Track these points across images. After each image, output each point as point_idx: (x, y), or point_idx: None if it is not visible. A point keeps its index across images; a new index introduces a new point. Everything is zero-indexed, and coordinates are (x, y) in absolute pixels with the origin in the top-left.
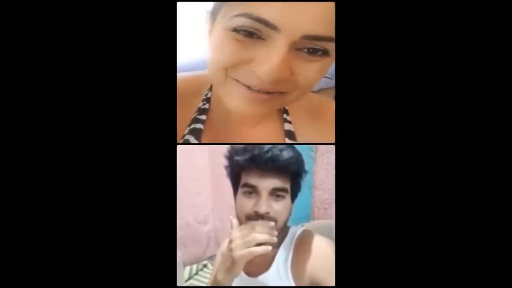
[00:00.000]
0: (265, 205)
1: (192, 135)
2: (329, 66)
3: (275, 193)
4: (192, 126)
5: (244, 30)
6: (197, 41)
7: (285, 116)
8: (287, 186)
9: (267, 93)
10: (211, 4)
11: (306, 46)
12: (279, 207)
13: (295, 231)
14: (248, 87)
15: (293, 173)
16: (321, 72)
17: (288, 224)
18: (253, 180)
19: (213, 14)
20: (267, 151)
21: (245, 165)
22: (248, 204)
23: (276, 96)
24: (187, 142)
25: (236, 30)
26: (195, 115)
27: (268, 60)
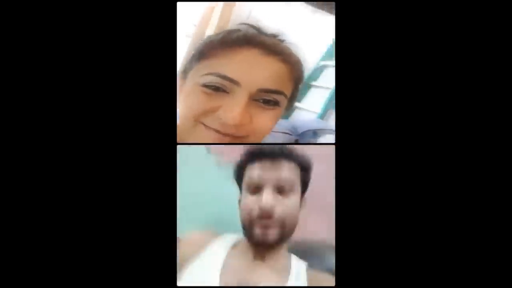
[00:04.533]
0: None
1: None
2: (280, 115)
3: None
4: None
5: (212, 85)
6: None
7: None
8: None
9: (232, 136)
10: (181, 65)
11: (262, 98)
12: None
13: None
14: (216, 131)
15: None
16: (274, 120)
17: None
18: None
19: (184, 73)
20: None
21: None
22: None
23: (238, 139)
24: None
25: (205, 85)
26: None
27: (232, 108)
